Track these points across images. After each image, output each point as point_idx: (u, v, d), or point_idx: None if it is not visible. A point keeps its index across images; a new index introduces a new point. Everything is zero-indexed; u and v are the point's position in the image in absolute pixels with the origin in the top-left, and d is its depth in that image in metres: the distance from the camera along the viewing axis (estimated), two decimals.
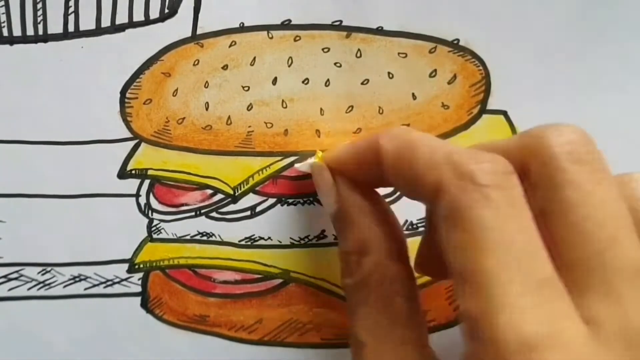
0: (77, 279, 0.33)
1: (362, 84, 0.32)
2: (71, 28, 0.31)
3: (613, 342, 0.21)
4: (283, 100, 0.32)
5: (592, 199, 0.22)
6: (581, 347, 0.21)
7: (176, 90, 0.32)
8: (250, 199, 0.33)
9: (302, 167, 0.32)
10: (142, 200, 0.32)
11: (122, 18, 0.31)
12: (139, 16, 0.31)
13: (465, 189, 0.22)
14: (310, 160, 0.31)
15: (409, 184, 0.25)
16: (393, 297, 0.26)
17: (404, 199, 0.31)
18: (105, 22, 0.31)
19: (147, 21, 0.31)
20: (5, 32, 0.31)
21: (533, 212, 0.23)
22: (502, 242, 0.21)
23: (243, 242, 0.33)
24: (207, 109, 0.32)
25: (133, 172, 0.32)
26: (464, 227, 0.22)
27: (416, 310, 0.26)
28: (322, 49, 0.32)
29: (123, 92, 0.32)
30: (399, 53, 0.32)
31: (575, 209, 0.22)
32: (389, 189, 0.33)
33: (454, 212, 0.22)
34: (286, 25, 0.32)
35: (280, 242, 0.33)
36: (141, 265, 0.33)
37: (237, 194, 0.33)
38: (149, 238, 0.33)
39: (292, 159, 0.32)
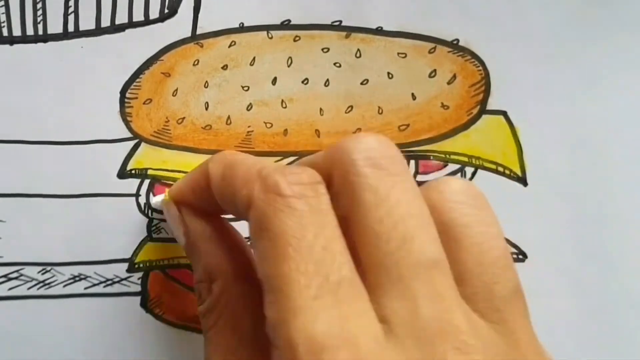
0: (77, 279, 0.33)
1: (361, 84, 0.32)
2: (71, 28, 0.31)
3: (404, 339, 0.21)
4: (282, 100, 0.32)
5: (387, 201, 0.23)
6: (371, 345, 0.21)
7: (176, 90, 0.32)
8: None
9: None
10: (142, 200, 0.32)
11: (122, 18, 0.31)
12: (138, 16, 0.31)
13: (270, 200, 0.23)
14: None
15: (231, 203, 0.25)
16: (241, 318, 0.26)
17: None
18: (105, 22, 0.31)
19: (147, 21, 0.31)
20: (5, 32, 0.31)
21: (339, 219, 0.23)
22: (300, 248, 0.22)
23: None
24: (206, 109, 0.32)
25: (133, 171, 0.32)
26: (268, 236, 0.22)
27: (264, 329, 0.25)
28: (322, 49, 0.32)
29: (123, 92, 0.32)
30: (398, 53, 0.32)
31: (372, 212, 0.23)
32: None
33: (259, 223, 0.23)
34: (286, 25, 0.32)
35: None
36: (141, 265, 0.33)
37: None
38: (149, 238, 0.33)
39: (291, 159, 0.32)
